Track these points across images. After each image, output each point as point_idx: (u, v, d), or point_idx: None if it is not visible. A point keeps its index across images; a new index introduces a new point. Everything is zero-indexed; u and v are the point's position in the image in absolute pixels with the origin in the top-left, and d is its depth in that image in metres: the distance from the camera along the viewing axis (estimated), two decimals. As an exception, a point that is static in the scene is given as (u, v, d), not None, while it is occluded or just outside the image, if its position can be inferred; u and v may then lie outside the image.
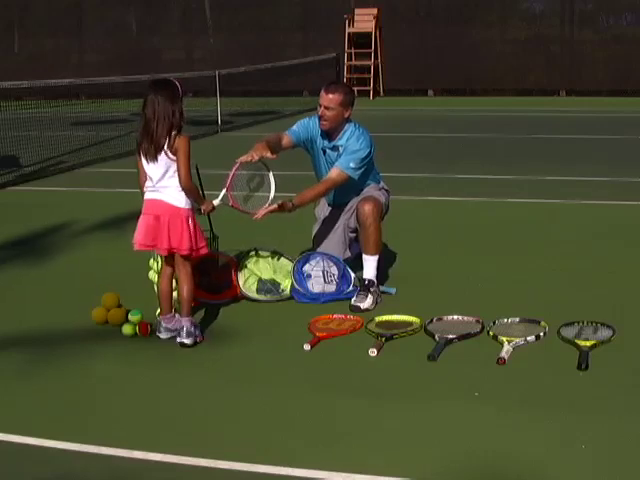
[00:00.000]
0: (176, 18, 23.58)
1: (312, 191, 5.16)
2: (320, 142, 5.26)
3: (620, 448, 3.28)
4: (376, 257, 5.16)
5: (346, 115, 5.15)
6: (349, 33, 21.01)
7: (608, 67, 20.36)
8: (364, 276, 5.14)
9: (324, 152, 5.25)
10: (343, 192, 5.31)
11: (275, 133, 5.28)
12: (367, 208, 5.09)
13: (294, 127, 5.30)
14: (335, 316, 4.83)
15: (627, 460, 3.19)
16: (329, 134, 5.21)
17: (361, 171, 5.16)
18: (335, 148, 5.20)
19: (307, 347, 4.37)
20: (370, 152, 5.18)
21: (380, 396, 3.80)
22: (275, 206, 4.91)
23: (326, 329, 4.62)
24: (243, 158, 4.81)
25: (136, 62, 21.35)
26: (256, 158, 4.81)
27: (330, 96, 5.08)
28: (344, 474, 3.11)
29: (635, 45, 20.14)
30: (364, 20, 20.87)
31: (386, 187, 5.45)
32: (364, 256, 5.18)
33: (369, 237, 5.12)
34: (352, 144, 5.14)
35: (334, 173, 5.13)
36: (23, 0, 23.45)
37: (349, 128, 5.20)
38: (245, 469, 3.17)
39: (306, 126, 5.27)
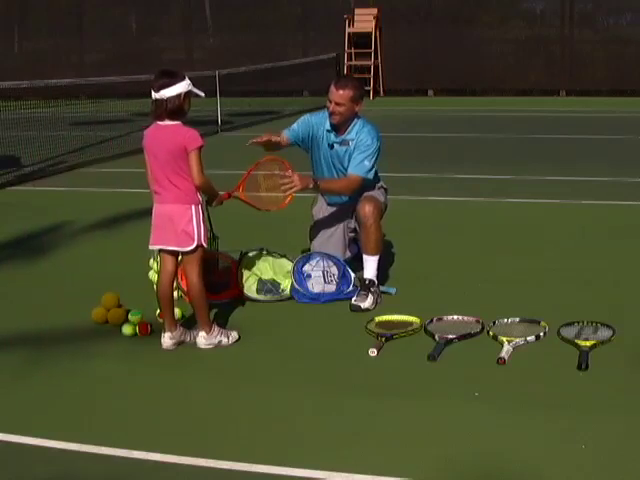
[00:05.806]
0: (176, 18, 23.58)
1: (336, 183, 5.18)
2: (326, 137, 5.22)
3: (620, 448, 3.28)
4: (377, 257, 5.15)
5: (356, 110, 5.12)
6: (349, 33, 21.01)
7: (608, 67, 20.35)
8: (365, 276, 5.14)
9: (331, 147, 5.22)
10: None
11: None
12: (367, 209, 5.09)
13: (294, 125, 5.29)
14: None
15: (627, 460, 3.19)
16: (337, 129, 5.18)
17: (375, 169, 5.15)
18: (344, 142, 5.17)
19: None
20: (380, 146, 5.17)
21: (380, 396, 3.80)
22: (296, 176, 4.81)
23: None
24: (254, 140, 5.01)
25: (136, 62, 21.31)
26: (264, 139, 5.01)
27: (341, 92, 5.03)
28: (344, 474, 3.11)
29: (635, 45, 20.15)
30: (364, 20, 20.86)
31: (384, 185, 5.44)
32: (364, 256, 5.17)
33: (370, 237, 5.11)
34: (364, 138, 5.12)
35: (353, 175, 5.11)
36: (23, 0, 23.45)
37: (357, 122, 5.18)
38: (245, 469, 3.17)
39: (308, 123, 5.25)
